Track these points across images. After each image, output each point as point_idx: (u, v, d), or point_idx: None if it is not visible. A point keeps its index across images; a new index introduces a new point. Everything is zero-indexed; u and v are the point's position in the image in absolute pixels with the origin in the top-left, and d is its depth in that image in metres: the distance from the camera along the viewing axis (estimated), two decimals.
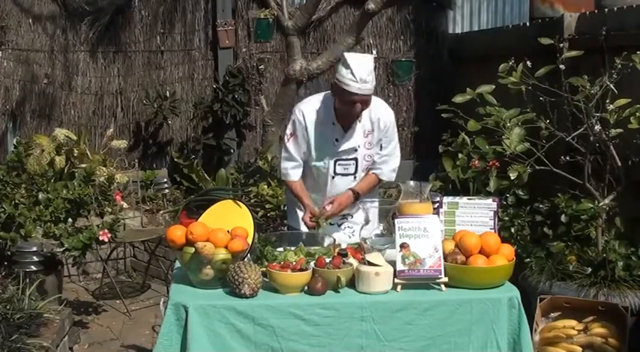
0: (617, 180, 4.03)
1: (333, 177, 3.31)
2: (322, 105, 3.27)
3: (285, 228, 3.91)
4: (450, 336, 2.63)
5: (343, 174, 3.31)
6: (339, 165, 3.29)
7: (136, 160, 6.56)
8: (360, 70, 3.03)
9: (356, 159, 3.29)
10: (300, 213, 3.40)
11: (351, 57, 3.11)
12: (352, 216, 3.42)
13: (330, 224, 3.29)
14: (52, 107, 6.58)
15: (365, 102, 3.12)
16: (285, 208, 3.86)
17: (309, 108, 3.27)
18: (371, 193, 3.44)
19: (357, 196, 3.29)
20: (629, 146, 4.05)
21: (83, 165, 5.28)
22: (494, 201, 2.98)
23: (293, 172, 3.36)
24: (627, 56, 3.82)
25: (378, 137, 3.31)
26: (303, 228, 3.31)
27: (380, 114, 3.28)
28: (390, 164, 3.39)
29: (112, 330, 4.63)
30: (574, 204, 4.29)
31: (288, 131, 3.33)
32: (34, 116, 6.54)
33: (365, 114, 3.22)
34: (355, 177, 3.32)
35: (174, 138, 6.92)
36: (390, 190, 5.90)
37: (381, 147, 3.34)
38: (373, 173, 3.38)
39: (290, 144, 3.31)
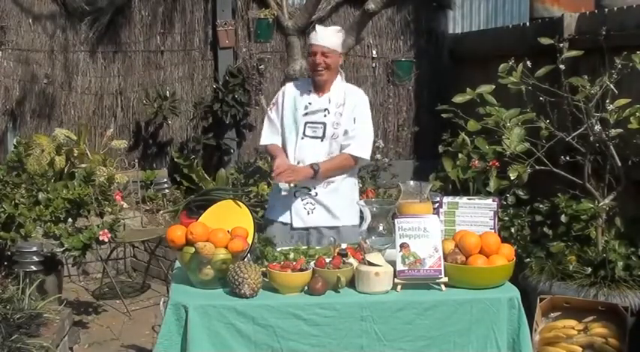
0: (617, 180, 4.02)
1: (303, 138, 3.50)
2: (305, 80, 3.78)
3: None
4: (450, 336, 2.63)
5: (311, 137, 3.50)
6: (308, 127, 3.50)
7: (136, 160, 6.56)
8: (321, 28, 3.51)
9: (324, 124, 3.48)
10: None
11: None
12: (317, 194, 3.48)
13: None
14: (52, 107, 6.58)
15: (325, 54, 3.42)
16: None
17: (292, 83, 3.72)
18: (343, 173, 3.54)
19: (315, 171, 3.41)
20: (629, 146, 4.04)
21: (83, 165, 5.28)
22: (494, 201, 2.98)
23: (274, 137, 3.61)
24: (627, 56, 3.81)
25: (350, 111, 3.49)
26: (281, 218, 3.52)
27: (351, 90, 3.59)
28: (360, 139, 3.50)
29: (112, 330, 4.64)
30: (574, 204, 4.29)
31: (272, 102, 3.68)
32: (34, 116, 6.53)
33: (339, 90, 3.54)
34: (322, 140, 3.48)
35: (174, 138, 6.92)
36: (390, 190, 5.90)
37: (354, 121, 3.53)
38: (344, 151, 3.50)
39: (272, 112, 3.63)
